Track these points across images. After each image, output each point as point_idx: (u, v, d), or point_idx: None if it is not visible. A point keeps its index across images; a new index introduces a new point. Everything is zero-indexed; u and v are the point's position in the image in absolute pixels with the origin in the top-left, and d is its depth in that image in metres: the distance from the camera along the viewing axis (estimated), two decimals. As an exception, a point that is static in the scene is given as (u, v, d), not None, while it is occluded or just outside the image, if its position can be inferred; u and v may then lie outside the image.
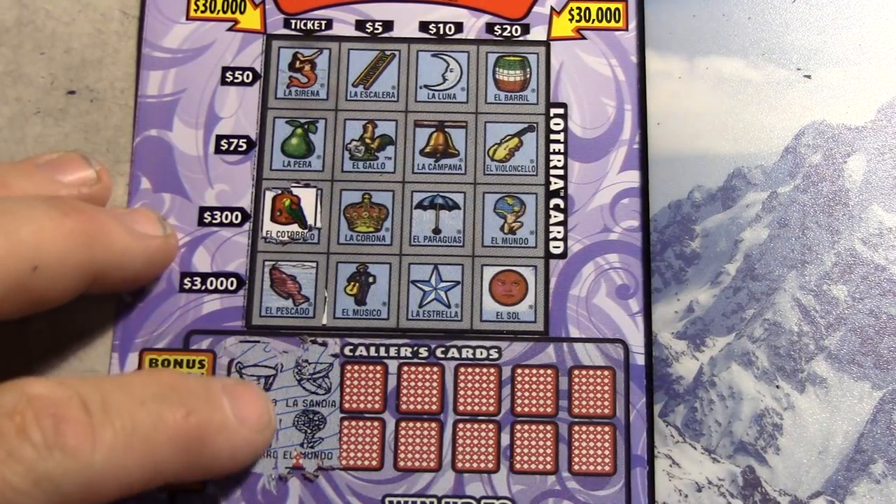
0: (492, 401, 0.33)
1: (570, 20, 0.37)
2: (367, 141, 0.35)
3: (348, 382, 0.33)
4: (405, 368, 0.33)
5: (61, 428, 0.25)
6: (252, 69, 0.36)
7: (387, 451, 0.32)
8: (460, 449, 0.33)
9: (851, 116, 0.36)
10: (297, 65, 0.36)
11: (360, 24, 0.37)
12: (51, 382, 0.26)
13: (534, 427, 0.33)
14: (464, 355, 0.33)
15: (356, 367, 0.33)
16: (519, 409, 0.33)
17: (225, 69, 0.36)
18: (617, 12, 0.37)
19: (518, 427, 0.33)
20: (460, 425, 0.33)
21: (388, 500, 0.32)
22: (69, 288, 0.29)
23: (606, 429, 0.33)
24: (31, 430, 0.25)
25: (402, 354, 0.33)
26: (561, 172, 0.35)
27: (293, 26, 0.36)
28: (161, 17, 0.36)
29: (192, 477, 0.29)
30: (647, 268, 0.34)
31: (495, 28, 0.37)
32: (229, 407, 0.30)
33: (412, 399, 0.33)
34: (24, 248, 0.27)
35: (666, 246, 0.35)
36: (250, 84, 0.36)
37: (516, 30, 0.37)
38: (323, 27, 0.36)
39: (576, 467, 0.32)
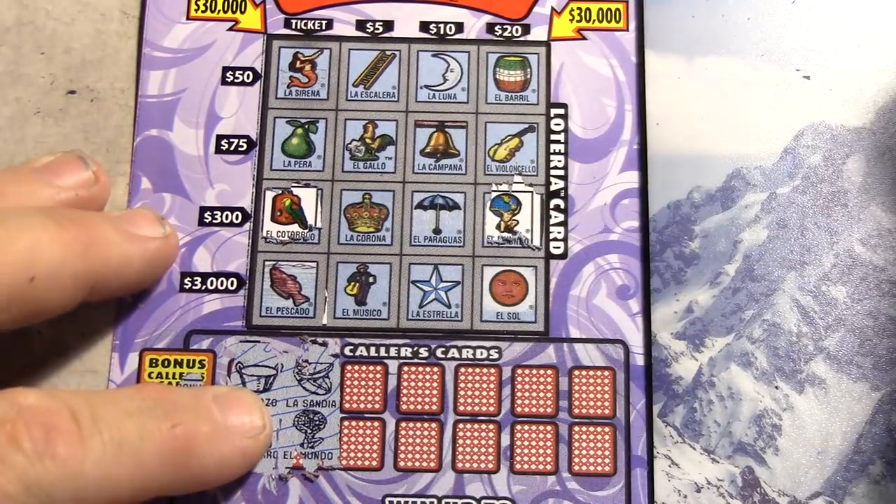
0: (492, 401, 0.33)
1: (571, 20, 0.37)
2: (368, 141, 0.35)
3: (348, 382, 0.33)
4: (405, 368, 0.33)
5: (52, 437, 0.25)
6: (252, 69, 0.36)
7: (387, 452, 0.33)
8: (460, 449, 0.33)
9: (851, 117, 0.36)
10: (298, 65, 0.36)
11: (360, 24, 0.37)
12: (41, 393, 0.26)
13: (534, 427, 0.33)
14: (464, 355, 0.33)
15: (356, 367, 0.33)
16: (519, 409, 0.33)
17: (225, 69, 0.36)
18: (617, 12, 0.37)
19: (518, 427, 0.33)
20: (460, 425, 0.33)
21: (388, 500, 0.32)
22: (67, 298, 0.29)
23: (606, 429, 0.33)
24: (22, 438, 0.25)
25: (403, 354, 0.33)
26: (561, 173, 0.35)
27: (293, 26, 0.36)
28: (161, 17, 0.36)
29: (183, 489, 0.29)
30: (646, 268, 0.34)
31: (496, 28, 0.37)
32: (220, 416, 0.30)
33: (412, 399, 0.33)
34: (21, 258, 0.27)
35: (665, 246, 0.35)
36: (251, 84, 0.36)
37: (517, 30, 0.37)
38: (323, 27, 0.36)
39: (576, 468, 0.32)
